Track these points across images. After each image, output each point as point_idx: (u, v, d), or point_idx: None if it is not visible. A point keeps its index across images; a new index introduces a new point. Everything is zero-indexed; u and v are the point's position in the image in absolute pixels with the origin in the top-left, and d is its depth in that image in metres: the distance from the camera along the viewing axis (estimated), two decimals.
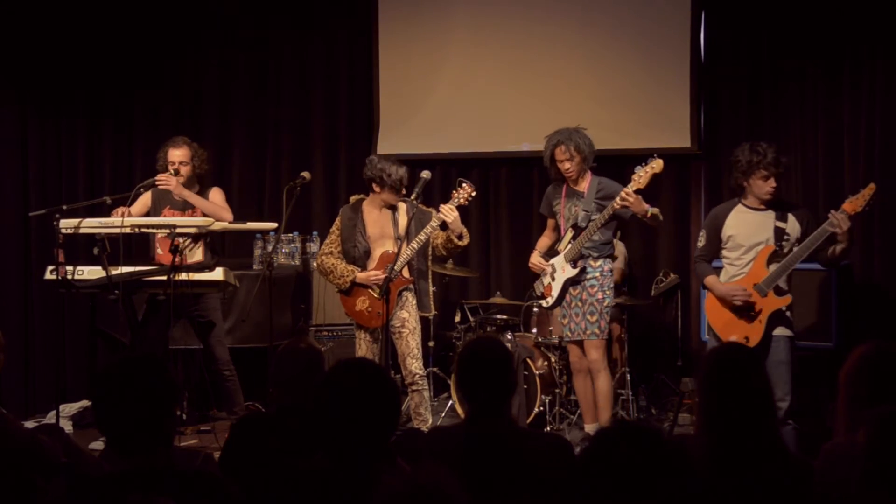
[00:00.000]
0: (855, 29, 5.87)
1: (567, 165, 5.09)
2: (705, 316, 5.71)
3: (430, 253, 5.15)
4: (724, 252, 4.71)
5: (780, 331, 4.52)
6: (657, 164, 4.86)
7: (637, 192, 4.86)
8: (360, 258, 5.10)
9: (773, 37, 6.16)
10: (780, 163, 4.52)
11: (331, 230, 5.24)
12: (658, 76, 6.43)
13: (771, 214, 4.56)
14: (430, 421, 5.15)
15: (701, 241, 4.79)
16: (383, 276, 4.93)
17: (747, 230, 4.60)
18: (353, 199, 5.29)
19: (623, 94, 6.49)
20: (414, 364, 5.08)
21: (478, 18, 6.78)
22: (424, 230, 5.00)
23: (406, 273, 5.07)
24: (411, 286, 5.10)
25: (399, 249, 4.97)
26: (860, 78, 5.88)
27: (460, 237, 5.03)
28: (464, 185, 5.05)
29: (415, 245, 4.99)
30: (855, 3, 5.86)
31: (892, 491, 2.06)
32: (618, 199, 4.87)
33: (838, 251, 4.45)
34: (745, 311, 4.53)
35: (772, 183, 4.51)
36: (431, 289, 5.23)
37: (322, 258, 5.18)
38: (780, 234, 4.54)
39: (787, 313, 4.54)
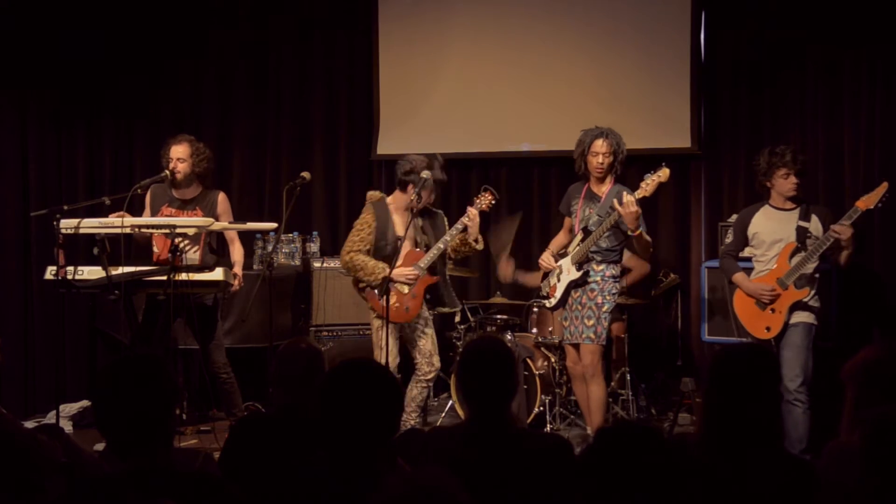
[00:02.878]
0: (855, 29, 5.87)
1: (601, 160, 5.05)
2: (705, 314, 5.75)
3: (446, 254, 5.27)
4: (751, 250, 5.00)
5: (799, 317, 4.81)
6: (664, 174, 4.92)
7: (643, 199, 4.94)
8: (388, 256, 5.10)
9: (772, 37, 6.16)
10: (797, 160, 4.82)
11: (357, 227, 5.19)
12: (658, 76, 6.43)
13: (795, 214, 4.86)
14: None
15: (728, 238, 5.18)
16: (415, 274, 5.07)
17: (770, 228, 4.90)
18: (374, 195, 5.30)
19: (623, 94, 6.49)
20: (436, 359, 5.23)
21: (478, 18, 6.78)
22: (450, 231, 5.13)
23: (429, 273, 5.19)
24: (436, 285, 5.22)
25: (400, 247, 5.01)
26: (860, 78, 5.88)
27: (476, 241, 5.17)
28: (488, 190, 5.18)
29: (441, 245, 5.11)
30: (855, 2, 5.87)
31: (891, 491, 2.06)
32: (623, 200, 4.85)
33: (843, 258, 4.76)
34: (771, 300, 4.84)
35: (793, 180, 4.82)
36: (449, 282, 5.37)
37: (350, 255, 5.13)
38: (802, 232, 4.81)
39: (811, 301, 4.82)
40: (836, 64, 5.98)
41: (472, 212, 5.09)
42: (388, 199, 5.23)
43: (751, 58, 6.25)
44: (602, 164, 5.06)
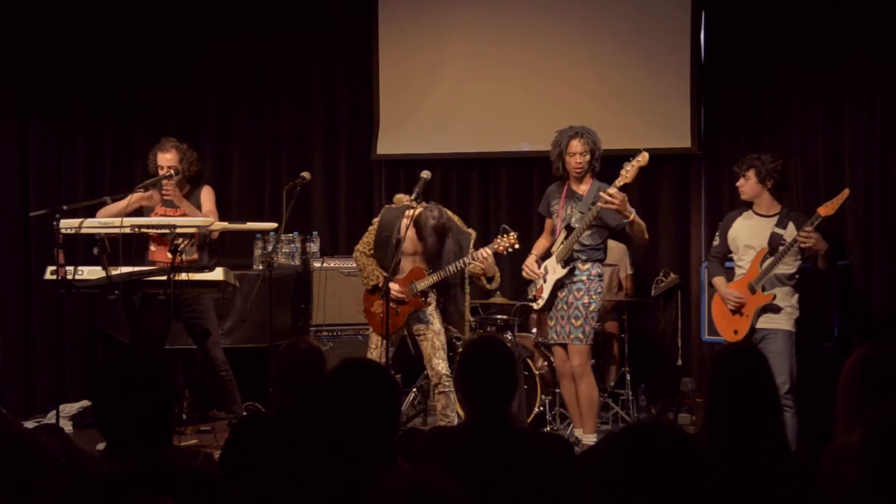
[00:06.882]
0: (855, 29, 5.87)
1: (579, 159, 5.06)
2: (705, 314, 5.75)
3: (467, 273, 5.13)
4: (734, 255, 5.10)
5: (775, 323, 4.86)
6: (643, 158, 4.90)
7: (627, 189, 4.95)
8: (388, 267, 5.04)
9: (773, 37, 6.16)
10: (739, 164, 5.04)
11: (369, 227, 5.25)
12: (658, 76, 6.43)
13: (772, 221, 4.95)
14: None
15: (716, 241, 5.21)
16: (402, 295, 5.02)
17: (746, 233, 5.02)
18: (399, 198, 5.25)
19: (623, 94, 6.49)
20: (440, 364, 5.04)
21: (478, 18, 6.78)
22: (455, 262, 4.99)
23: (425, 296, 5.10)
24: (425, 309, 5.11)
25: (397, 256, 4.93)
26: (860, 78, 5.88)
27: (490, 280, 5.14)
28: (509, 234, 5.02)
29: (441, 274, 5.01)
30: (855, 3, 5.87)
31: (890, 492, 2.06)
32: (603, 196, 4.84)
33: (819, 262, 4.87)
34: (737, 307, 4.96)
35: (741, 182, 5.00)
36: (466, 303, 5.20)
37: (356, 254, 5.25)
38: (776, 238, 4.89)
39: (784, 306, 4.86)
40: (836, 64, 5.97)
41: (484, 253, 4.97)
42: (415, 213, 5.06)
43: (751, 58, 6.25)
44: (580, 163, 5.07)
